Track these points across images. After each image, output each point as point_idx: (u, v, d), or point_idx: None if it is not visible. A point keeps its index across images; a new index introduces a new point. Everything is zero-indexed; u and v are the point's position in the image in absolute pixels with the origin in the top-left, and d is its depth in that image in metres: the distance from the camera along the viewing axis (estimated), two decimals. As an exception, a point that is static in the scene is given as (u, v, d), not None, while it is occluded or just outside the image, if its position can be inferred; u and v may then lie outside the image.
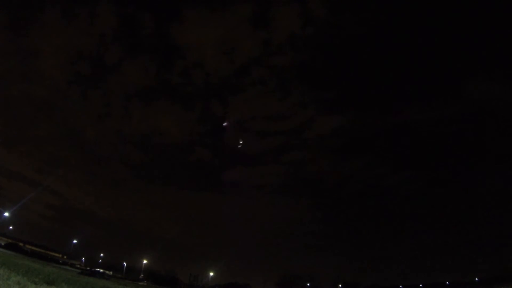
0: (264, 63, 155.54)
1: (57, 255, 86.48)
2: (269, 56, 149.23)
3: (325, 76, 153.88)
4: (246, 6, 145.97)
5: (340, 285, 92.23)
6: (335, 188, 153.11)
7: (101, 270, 62.04)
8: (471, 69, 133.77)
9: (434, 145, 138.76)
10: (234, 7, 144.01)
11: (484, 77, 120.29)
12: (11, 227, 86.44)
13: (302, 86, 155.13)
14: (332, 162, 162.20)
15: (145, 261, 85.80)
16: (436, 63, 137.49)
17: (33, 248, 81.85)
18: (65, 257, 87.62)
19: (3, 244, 69.16)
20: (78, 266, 72.55)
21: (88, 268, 64.98)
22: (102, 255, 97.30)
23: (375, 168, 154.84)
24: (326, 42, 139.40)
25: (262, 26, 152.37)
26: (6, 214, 74.57)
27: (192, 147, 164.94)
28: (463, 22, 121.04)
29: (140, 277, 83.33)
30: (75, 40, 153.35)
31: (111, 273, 72.05)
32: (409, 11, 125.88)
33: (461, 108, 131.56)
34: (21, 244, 79.18)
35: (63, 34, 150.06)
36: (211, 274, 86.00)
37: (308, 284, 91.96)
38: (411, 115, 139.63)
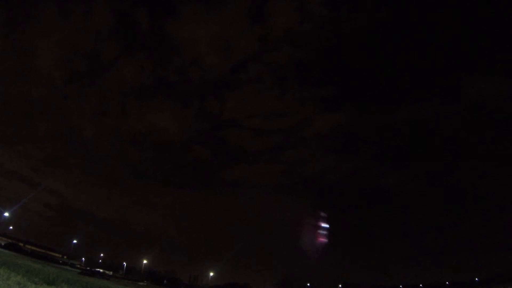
0: (261, 59, 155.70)
1: (57, 255, 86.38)
2: (266, 52, 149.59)
3: (323, 73, 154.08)
4: (242, 1, 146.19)
5: (340, 285, 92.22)
6: (335, 187, 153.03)
7: (101, 270, 62.07)
8: (470, 67, 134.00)
9: (434, 144, 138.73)
10: (230, 3, 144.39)
11: (483, 75, 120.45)
12: (11, 227, 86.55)
13: (299, 83, 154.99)
14: (331, 161, 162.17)
15: (145, 261, 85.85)
16: (435, 60, 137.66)
17: (33, 248, 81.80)
18: (65, 257, 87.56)
19: (3, 244, 69.12)
20: (78, 266, 72.46)
21: (88, 268, 64.93)
22: (102, 255, 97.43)
23: (374, 167, 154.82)
24: (324, 38, 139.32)
25: (258, 22, 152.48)
26: (6, 214, 74.61)
27: (189, 145, 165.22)
28: (462, 19, 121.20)
29: (120, 272, 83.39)
30: (70, 38, 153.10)
31: (111, 273, 72.10)
32: (408, 8, 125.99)
33: (460, 106, 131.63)
34: (21, 244, 79.14)
35: (58, 31, 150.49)
36: (211, 274, 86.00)
37: (308, 284, 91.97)
38: (410, 113, 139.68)
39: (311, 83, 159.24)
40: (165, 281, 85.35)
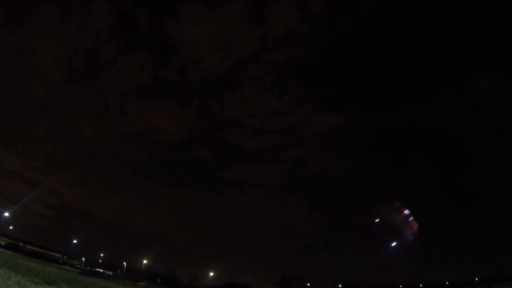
0: (261, 59, 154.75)
1: (57, 255, 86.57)
2: (265, 52, 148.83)
3: (323, 73, 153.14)
4: (242, 1, 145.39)
5: (340, 285, 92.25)
6: (334, 187, 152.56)
7: (101, 270, 62.17)
8: (470, 66, 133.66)
9: (433, 144, 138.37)
10: (229, 3, 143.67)
11: (484, 75, 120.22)
12: (11, 227, 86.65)
13: (299, 83, 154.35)
14: (331, 161, 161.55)
15: (145, 261, 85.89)
16: (435, 60, 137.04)
17: (33, 248, 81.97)
18: (65, 257, 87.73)
19: (3, 244, 69.30)
20: (78, 266, 72.59)
21: (88, 268, 65.05)
22: (102, 255, 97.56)
23: (374, 167, 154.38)
24: (324, 38, 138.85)
25: (258, 22, 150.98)
26: (6, 214, 74.72)
27: (189, 146, 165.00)
28: (463, 19, 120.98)
29: (117, 272, 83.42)
30: (70, 37, 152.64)
31: (111, 273, 72.21)
32: (408, 8, 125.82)
33: (460, 106, 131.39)
34: (21, 244, 79.32)
35: (58, 31, 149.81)
36: (211, 274, 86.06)
37: (308, 284, 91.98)
38: (410, 113, 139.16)
39: (311, 83, 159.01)
40: (158, 279, 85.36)
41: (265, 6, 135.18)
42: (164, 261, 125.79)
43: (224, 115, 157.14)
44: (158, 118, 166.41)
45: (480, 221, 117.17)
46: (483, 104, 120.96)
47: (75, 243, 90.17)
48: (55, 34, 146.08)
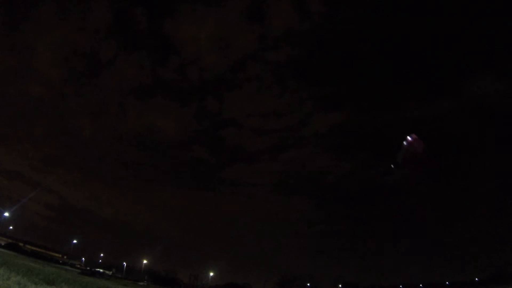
0: (260, 58, 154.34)
1: (57, 255, 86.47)
2: (265, 51, 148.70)
3: (322, 72, 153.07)
4: (241, 0, 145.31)
5: (340, 285, 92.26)
6: (334, 187, 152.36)
7: (101, 270, 62.18)
8: (471, 65, 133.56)
9: (434, 143, 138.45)
10: (229, 2, 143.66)
11: (485, 74, 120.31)
12: (11, 227, 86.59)
13: (299, 82, 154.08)
14: (331, 160, 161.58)
15: (145, 261, 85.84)
16: (436, 59, 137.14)
17: (33, 248, 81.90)
18: (65, 257, 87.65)
19: (3, 244, 69.28)
20: (78, 266, 72.61)
21: (88, 268, 65.07)
22: (102, 255, 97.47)
23: (374, 166, 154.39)
24: (324, 37, 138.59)
25: (257, 21, 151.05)
26: (6, 214, 74.59)
27: (188, 145, 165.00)
28: (463, 17, 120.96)
29: (113, 270, 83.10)
30: (69, 37, 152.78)
31: (111, 273, 72.14)
32: (408, 7, 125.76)
33: (461, 105, 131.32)
34: (21, 244, 79.29)
35: (57, 30, 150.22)
36: (211, 274, 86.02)
37: (308, 284, 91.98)
38: (410, 112, 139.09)
39: (311, 82, 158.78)
40: (146, 276, 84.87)
41: (265, 5, 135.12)
42: (164, 261, 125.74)
43: (223, 114, 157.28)
44: (157, 118, 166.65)
45: (480, 221, 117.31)
46: (483, 104, 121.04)
47: (75, 243, 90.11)
48: (54, 33, 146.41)
